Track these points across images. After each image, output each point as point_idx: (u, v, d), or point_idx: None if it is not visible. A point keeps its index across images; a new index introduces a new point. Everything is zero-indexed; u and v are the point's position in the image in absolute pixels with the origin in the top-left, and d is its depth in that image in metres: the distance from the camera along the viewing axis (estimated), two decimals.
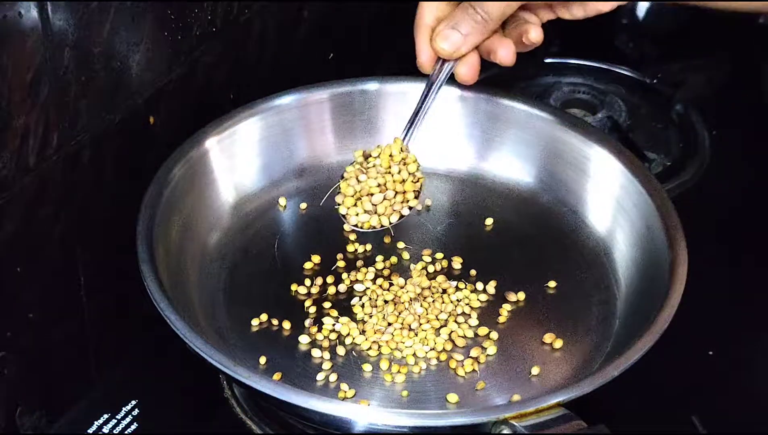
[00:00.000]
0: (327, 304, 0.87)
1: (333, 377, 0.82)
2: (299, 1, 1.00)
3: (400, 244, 0.92)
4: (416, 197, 0.88)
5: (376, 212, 0.87)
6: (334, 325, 0.85)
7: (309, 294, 0.87)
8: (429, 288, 0.88)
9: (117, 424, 0.84)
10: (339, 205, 0.88)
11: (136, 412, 0.85)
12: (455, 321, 0.86)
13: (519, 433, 0.72)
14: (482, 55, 0.90)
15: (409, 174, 0.88)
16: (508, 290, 0.89)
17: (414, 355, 0.84)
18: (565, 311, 0.87)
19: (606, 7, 0.90)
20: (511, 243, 0.93)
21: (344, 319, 0.85)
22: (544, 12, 0.92)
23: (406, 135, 0.89)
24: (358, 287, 0.88)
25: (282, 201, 0.94)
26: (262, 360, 0.82)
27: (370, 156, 0.89)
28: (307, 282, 0.88)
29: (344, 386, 0.81)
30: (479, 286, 0.89)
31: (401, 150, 0.88)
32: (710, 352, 0.92)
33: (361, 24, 1.10)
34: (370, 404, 0.80)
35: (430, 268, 0.90)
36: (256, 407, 0.85)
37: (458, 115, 0.97)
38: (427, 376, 0.83)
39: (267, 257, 0.90)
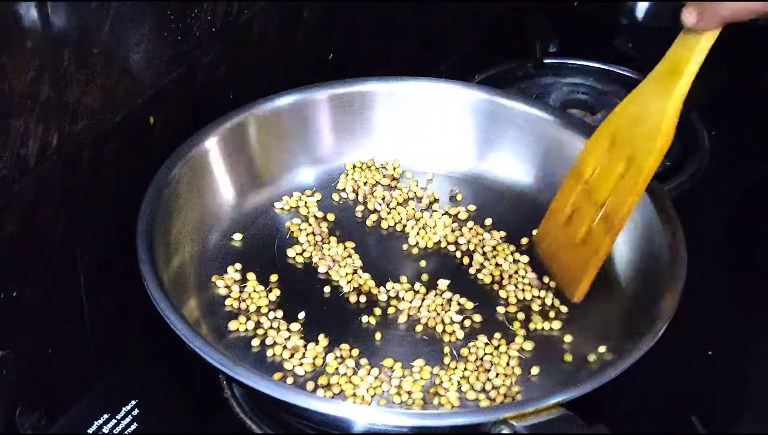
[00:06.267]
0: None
1: (334, 379, 0.81)
2: (299, 1, 1.00)
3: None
4: None
5: None
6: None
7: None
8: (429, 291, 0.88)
9: (117, 424, 0.84)
10: None
11: (136, 412, 0.85)
12: (453, 320, 0.86)
13: (519, 433, 0.72)
14: None
15: None
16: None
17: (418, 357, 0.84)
18: (565, 311, 0.87)
19: None
20: (510, 243, 0.93)
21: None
22: None
23: None
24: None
25: (282, 201, 0.94)
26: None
27: None
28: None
29: (347, 388, 0.81)
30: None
31: None
32: (710, 352, 0.92)
33: (361, 24, 1.10)
34: (370, 404, 0.80)
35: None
36: (256, 407, 0.85)
37: (458, 115, 0.97)
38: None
39: (267, 257, 0.90)
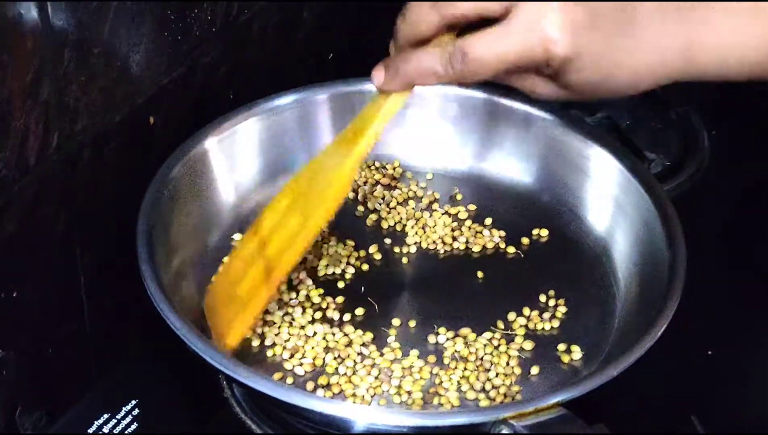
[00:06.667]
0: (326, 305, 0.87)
1: (334, 379, 0.81)
2: (299, 1, 1.00)
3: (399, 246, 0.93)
4: None
5: None
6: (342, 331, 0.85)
7: (308, 296, 0.87)
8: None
9: (117, 424, 0.84)
10: None
11: (136, 412, 0.85)
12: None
13: (518, 432, 0.72)
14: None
15: None
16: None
17: (418, 356, 0.84)
18: (565, 311, 0.87)
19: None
20: (510, 243, 0.93)
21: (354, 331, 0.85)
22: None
23: None
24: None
25: None
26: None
27: None
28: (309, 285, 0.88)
29: (347, 388, 0.81)
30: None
31: None
32: (710, 352, 0.92)
33: (361, 24, 1.10)
34: (370, 404, 0.80)
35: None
36: (256, 407, 0.85)
37: (458, 115, 0.98)
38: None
39: None
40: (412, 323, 0.86)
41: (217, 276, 0.84)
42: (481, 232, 0.93)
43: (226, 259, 0.85)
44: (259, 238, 0.80)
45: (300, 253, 0.79)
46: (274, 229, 0.80)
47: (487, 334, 0.85)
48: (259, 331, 0.84)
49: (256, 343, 0.84)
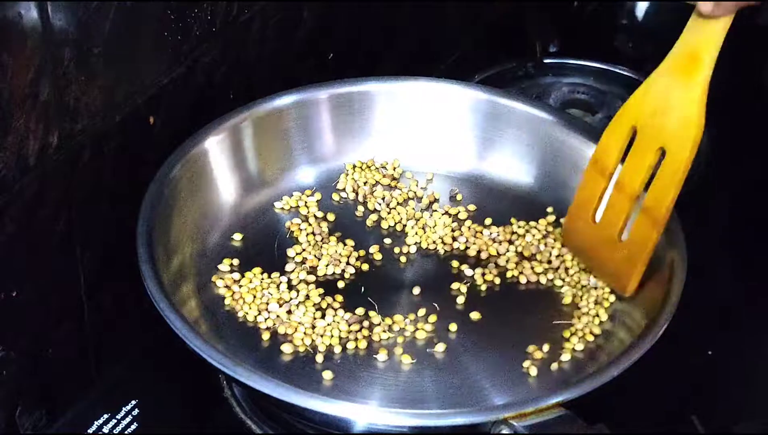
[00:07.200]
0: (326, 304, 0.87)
1: (336, 377, 0.82)
2: (299, 1, 1.00)
3: (398, 247, 0.93)
4: None
5: None
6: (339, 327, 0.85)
7: (308, 296, 0.87)
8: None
9: (117, 424, 0.84)
10: None
11: (136, 412, 0.85)
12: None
13: (519, 433, 0.72)
14: None
15: None
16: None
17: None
18: (565, 311, 0.87)
19: None
20: (510, 243, 0.93)
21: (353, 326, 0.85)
22: None
23: None
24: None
25: (282, 201, 0.94)
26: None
27: None
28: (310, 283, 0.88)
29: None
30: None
31: None
32: (710, 352, 0.92)
33: (361, 24, 1.10)
34: (369, 404, 0.80)
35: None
36: (256, 407, 0.85)
37: (458, 115, 0.98)
38: (427, 375, 0.83)
39: (267, 257, 0.90)
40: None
41: (570, 219, 0.89)
42: (481, 232, 0.93)
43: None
44: (608, 175, 0.85)
45: (677, 194, 0.81)
46: (630, 167, 0.84)
47: None
48: (263, 327, 0.84)
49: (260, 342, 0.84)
